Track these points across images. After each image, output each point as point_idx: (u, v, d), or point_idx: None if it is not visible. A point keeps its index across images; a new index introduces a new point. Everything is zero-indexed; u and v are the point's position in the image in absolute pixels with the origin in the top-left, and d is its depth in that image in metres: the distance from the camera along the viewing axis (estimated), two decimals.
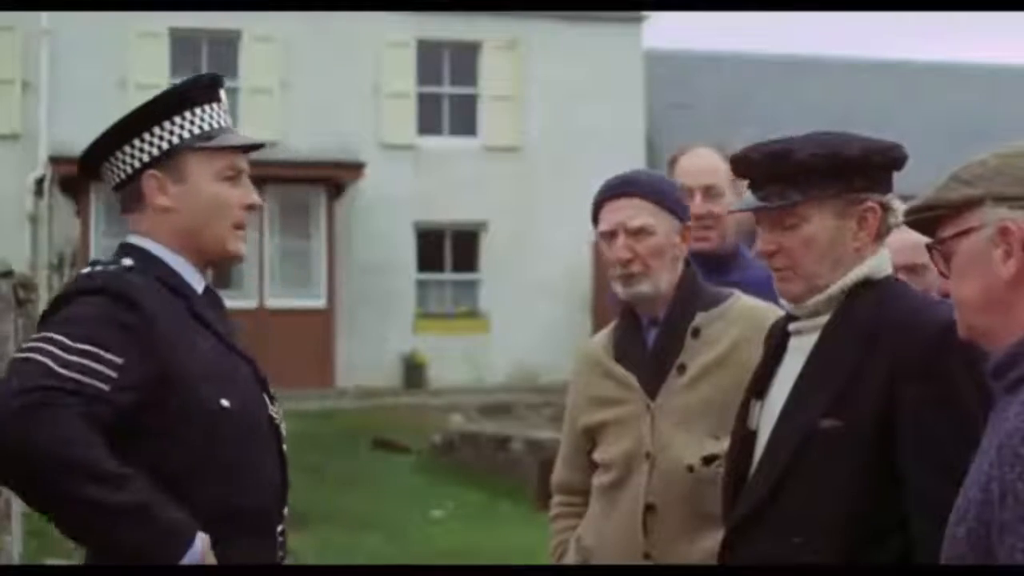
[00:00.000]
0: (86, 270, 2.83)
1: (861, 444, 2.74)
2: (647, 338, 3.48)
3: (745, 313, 3.44)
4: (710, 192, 4.10)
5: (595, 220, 3.52)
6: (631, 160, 17.58)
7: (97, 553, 2.70)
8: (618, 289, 3.47)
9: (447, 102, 23.11)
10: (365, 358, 21.21)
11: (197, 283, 2.91)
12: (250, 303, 20.20)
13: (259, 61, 21.89)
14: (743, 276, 3.87)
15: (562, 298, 21.74)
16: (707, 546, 3.23)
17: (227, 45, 21.91)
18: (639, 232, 3.43)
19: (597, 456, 3.50)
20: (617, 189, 3.50)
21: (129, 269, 2.81)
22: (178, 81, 3.09)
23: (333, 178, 21.62)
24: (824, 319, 2.87)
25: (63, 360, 2.61)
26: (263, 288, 21.18)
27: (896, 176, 2.95)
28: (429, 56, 22.85)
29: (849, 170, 2.85)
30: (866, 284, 2.86)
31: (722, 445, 3.20)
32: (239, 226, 2.92)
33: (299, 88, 21.80)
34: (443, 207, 22.27)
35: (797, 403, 2.83)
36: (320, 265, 21.59)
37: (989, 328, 2.20)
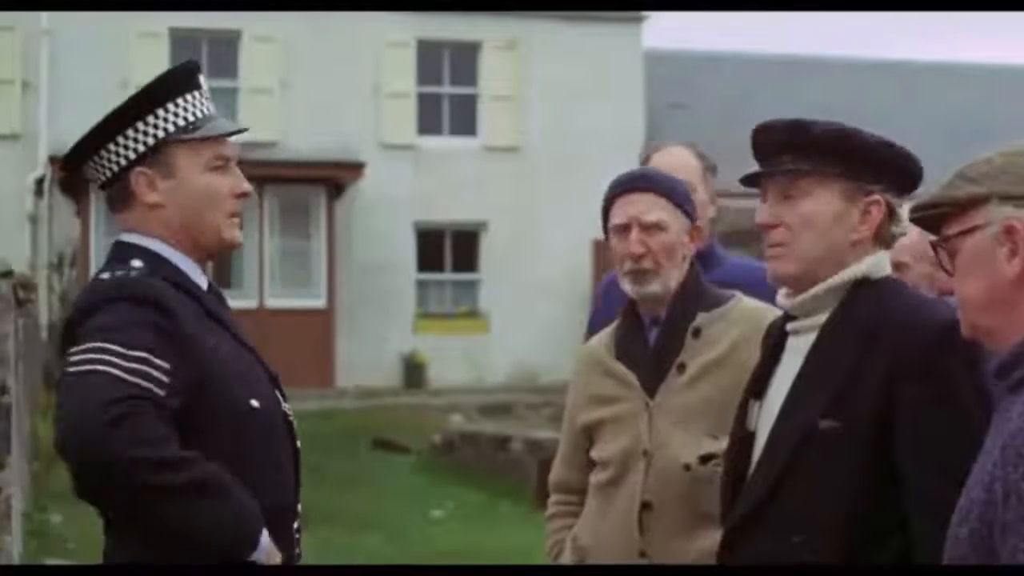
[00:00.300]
0: (104, 276, 2.78)
1: (860, 444, 2.73)
2: (648, 337, 3.48)
3: (746, 314, 3.43)
4: None
5: (605, 215, 3.52)
6: (631, 160, 17.50)
7: (186, 542, 2.66)
8: (627, 287, 3.46)
9: (447, 102, 23.12)
10: (365, 358, 21.22)
11: (201, 281, 2.88)
12: (250, 303, 20.20)
13: (259, 61, 21.89)
14: (724, 274, 3.88)
15: (562, 298, 21.74)
16: (703, 545, 3.23)
17: (227, 45, 21.91)
18: (653, 227, 3.43)
19: (595, 454, 3.49)
20: (633, 183, 3.50)
21: (138, 269, 2.77)
22: None
23: (333, 178, 21.63)
24: (822, 318, 2.86)
25: (126, 368, 2.59)
26: (263, 288, 21.19)
27: None
28: (429, 56, 22.86)
29: (860, 156, 2.85)
30: (865, 283, 2.85)
31: (720, 444, 3.20)
32: (233, 214, 2.89)
33: (299, 88, 21.81)
34: (443, 207, 22.28)
35: (796, 403, 2.82)
36: (320, 265, 21.60)
37: (993, 327, 2.20)
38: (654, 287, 3.43)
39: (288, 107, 21.75)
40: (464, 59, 23.09)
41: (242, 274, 21.08)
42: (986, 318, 2.20)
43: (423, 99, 22.82)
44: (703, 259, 4.07)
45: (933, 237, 2.30)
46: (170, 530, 2.61)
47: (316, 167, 21.48)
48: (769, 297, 3.58)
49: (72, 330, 2.70)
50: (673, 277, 3.44)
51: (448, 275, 22.98)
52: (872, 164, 2.85)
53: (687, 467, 3.33)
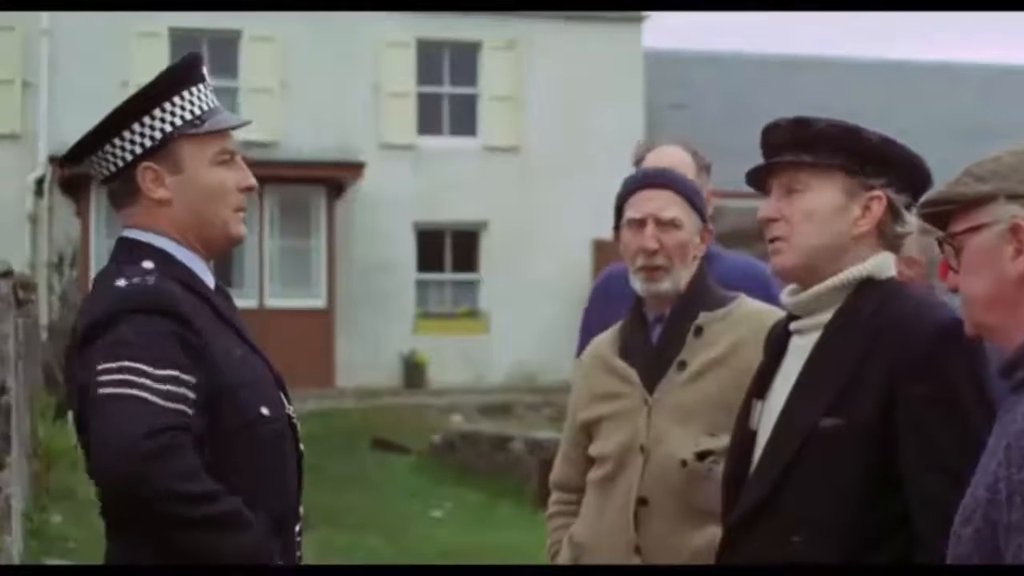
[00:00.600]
0: (120, 283, 2.71)
1: (861, 444, 2.73)
2: (652, 334, 3.48)
3: (749, 316, 3.44)
4: None
5: (619, 210, 3.52)
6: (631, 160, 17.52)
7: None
8: (637, 285, 3.47)
9: (447, 102, 23.12)
10: (365, 358, 21.22)
11: (210, 280, 2.86)
12: (250, 303, 20.18)
13: (259, 61, 21.90)
14: (715, 271, 3.88)
15: (562, 298, 21.73)
16: (699, 541, 3.24)
17: (227, 45, 21.90)
18: (669, 224, 3.44)
19: (593, 450, 3.49)
20: (651, 179, 3.52)
21: (150, 272, 2.73)
22: None
23: (333, 178, 21.64)
24: (825, 317, 2.86)
25: (160, 392, 2.57)
26: (263, 288, 21.19)
27: None
28: (429, 56, 22.87)
29: (863, 151, 2.87)
30: (868, 284, 2.85)
31: (718, 442, 3.21)
32: (239, 209, 2.86)
33: (299, 88, 21.81)
34: (443, 207, 22.28)
35: (798, 402, 2.83)
36: (320, 265, 21.60)
37: (997, 325, 2.20)
38: (665, 285, 3.44)
39: (288, 107, 21.76)
40: (464, 59, 23.10)
41: (242, 274, 21.09)
42: (991, 316, 2.21)
43: (423, 99, 22.82)
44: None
45: (940, 233, 2.30)
46: (191, 556, 2.61)
47: (316, 167, 21.49)
48: (760, 294, 3.61)
49: (91, 341, 2.65)
50: (683, 276, 3.45)
51: (448, 275, 22.98)
52: (873, 159, 2.87)
53: (683, 463, 3.33)
